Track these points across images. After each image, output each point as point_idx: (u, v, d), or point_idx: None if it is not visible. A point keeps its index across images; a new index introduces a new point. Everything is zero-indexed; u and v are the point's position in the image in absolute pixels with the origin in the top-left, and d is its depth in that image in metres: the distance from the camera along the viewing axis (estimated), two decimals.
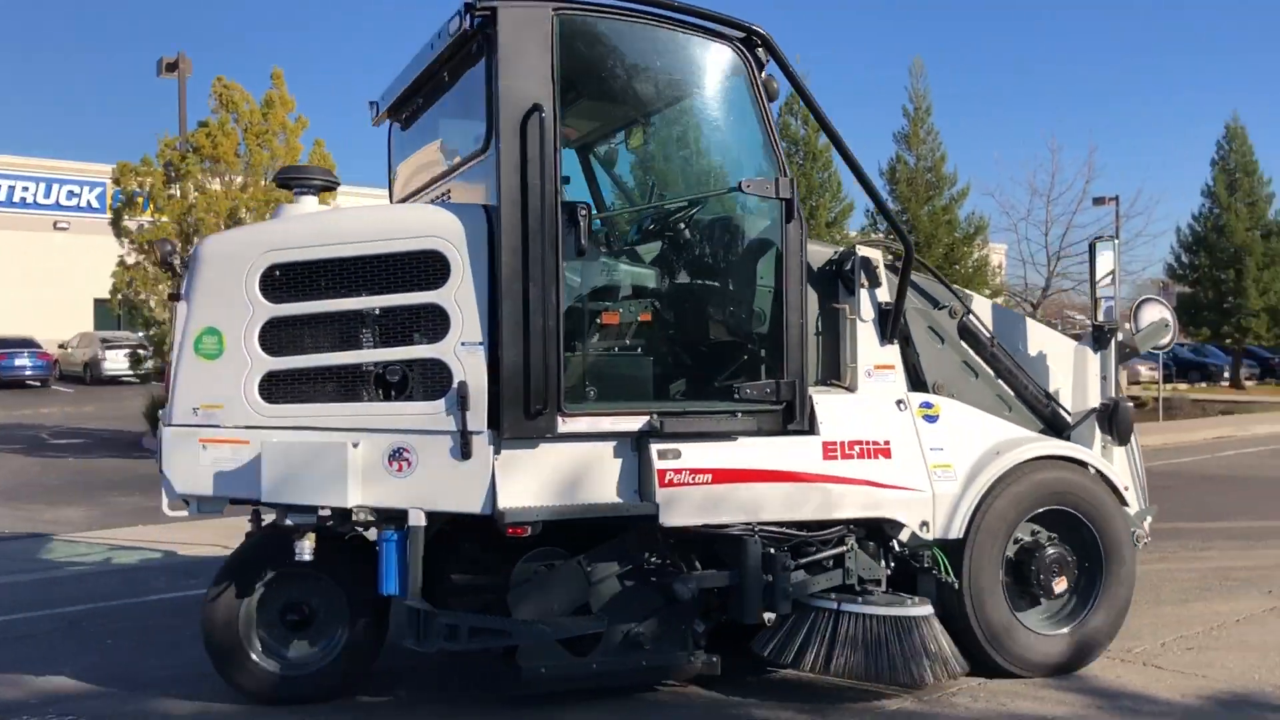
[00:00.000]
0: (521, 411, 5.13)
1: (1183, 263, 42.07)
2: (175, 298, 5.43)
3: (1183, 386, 39.02)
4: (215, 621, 5.58)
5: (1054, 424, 6.62)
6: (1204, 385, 40.77)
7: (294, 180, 5.83)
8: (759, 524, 5.52)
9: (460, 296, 5.18)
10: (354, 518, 5.19)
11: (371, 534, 5.43)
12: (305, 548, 5.29)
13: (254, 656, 5.59)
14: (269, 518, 5.61)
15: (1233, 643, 6.91)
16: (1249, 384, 41.62)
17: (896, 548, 5.91)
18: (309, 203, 5.74)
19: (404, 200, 6.70)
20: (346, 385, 5.29)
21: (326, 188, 5.85)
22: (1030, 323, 7.06)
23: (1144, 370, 38.71)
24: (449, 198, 5.94)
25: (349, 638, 5.63)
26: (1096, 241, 6.75)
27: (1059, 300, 33.15)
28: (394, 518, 5.21)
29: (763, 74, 5.61)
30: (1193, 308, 41.03)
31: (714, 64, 5.77)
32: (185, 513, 5.44)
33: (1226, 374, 41.89)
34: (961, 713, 5.66)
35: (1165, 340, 7.22)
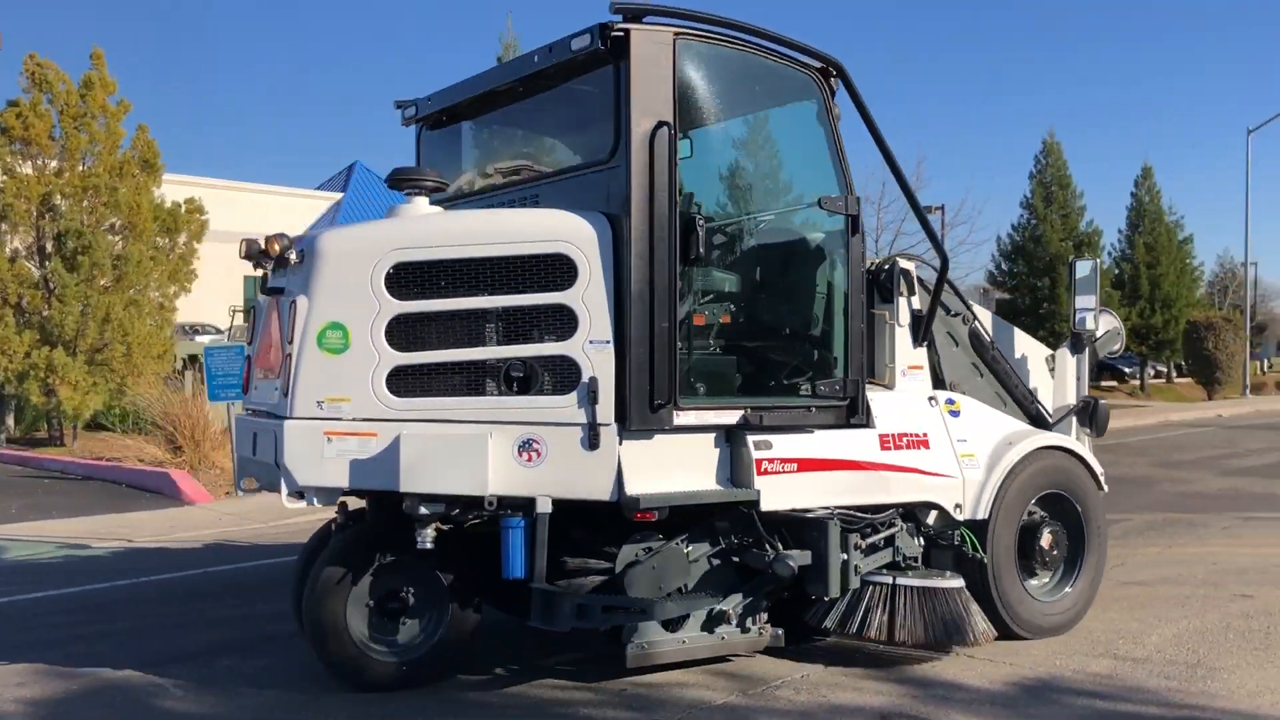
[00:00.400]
0: (646, 405, 5.54)
1: (1003, 270, 44.30)
2: (273, 291, 5.79)
3: None
4: (323, 613, 5.70)
5: (1037, 419, 7.53)
6: None
7: (407, 182, 5.94)
8: (836, 508, 6.12)
9: (588, 297, 5.51)
10: (486, 505, 5.45)
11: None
12: (428, 536, 5.55)
13: (365, 645, 5.78)
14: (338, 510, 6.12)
15: None
16: None
17: (925, 528, 6.66)
18: (421, 203, 5.91)
19: (456, 200, 6.87)
20: (474, 380, 5.55)
21: (438, 188, 6.04)
22: (1016, 331, 7.94)
23: None
24: (537, 201, 6.21)
25: (449, 621, 5.85)
26: (1076, 261, 7.94)
27: None
28: (519, 505, 5.48)
29: (834, 100, 6.20)
30: (1011, 314, 43.16)
31: (795, 88, 6.28)
32: (302, 504, 5.55)
33: None
34: (785, 705, 5.79)
35: (1117, 346, 8.25)
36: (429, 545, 5.55)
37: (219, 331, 33.65)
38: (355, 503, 6.19)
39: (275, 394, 5.73)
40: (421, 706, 5.71)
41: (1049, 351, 8.04)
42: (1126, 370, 48.80)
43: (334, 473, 5.40)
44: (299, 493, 5.47)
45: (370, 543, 5.84)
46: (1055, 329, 41.87)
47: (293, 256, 5.63)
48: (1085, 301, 7.91)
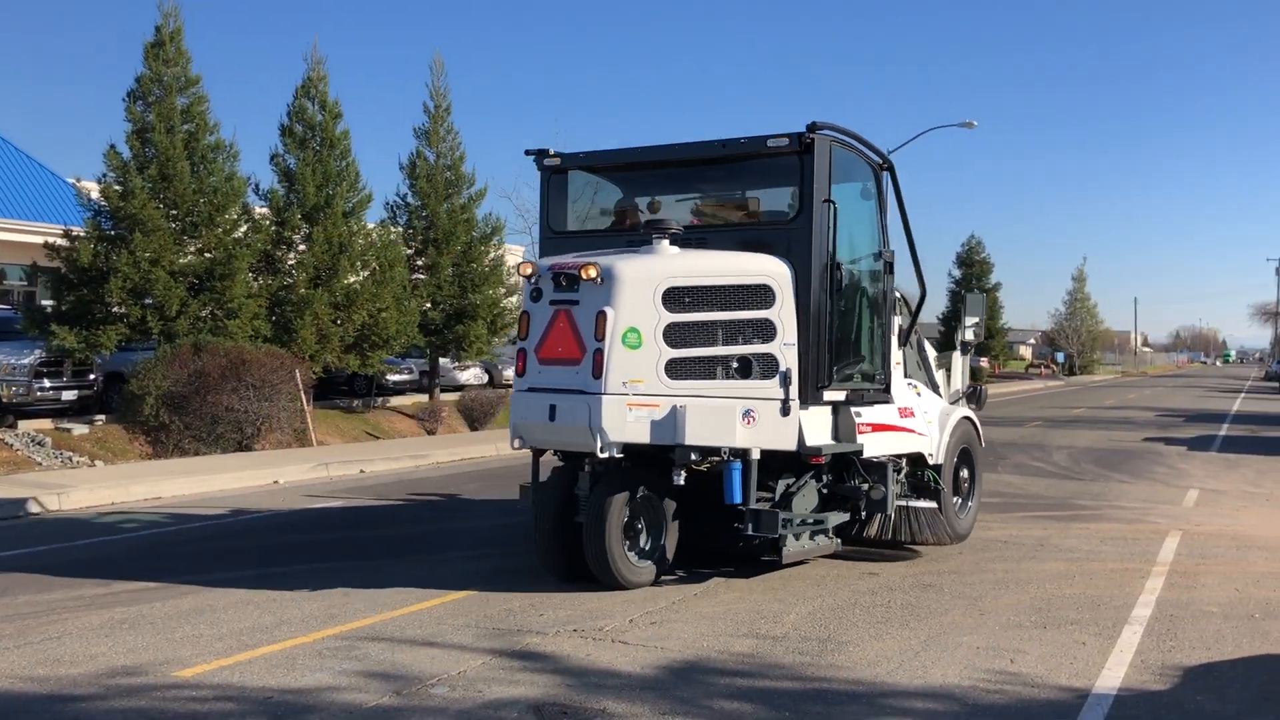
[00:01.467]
0: (813, 387, 8.40)
1: None
2: (564, 302, 8.07)
3: None
4: (598, 531, 8.02)
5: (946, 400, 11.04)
6: None
7: (658, 230, 8.42)
8: (888, 455, 9.12)
9: (783, 314, 8.32)
10: (723, 455, 7.99)
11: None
12: (681, 475, 8.14)
13: (622, 553, 8.18)
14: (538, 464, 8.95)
15: (690, 615, 7.61)
16: None
17: (907, 468, 9.81)
18: (667, 244, 8.36)
19: (595, 233, 9.80)
20: (716, 368, 8.17)
21: (677, 234, 8.46)
22: (923, 339, 10.94)
23: None
24: (704, 243, 8.87)
25: (666, 535, 8.46)
26: (967, 294, 12.16)
27: None
28: (739, 454, 8.03)
29: (885, 184, 9.32)
30: None
31: (865, 173, 9.23)
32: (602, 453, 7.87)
33: None
34: (439, 704, 5.69)
35: (972, 337, 12.33)
36: (680, 482, 8.14)
37: None
38: (548, 461, 8.94)
39: (578, 377, 7.94)
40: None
41: (936, 354, 11.38)
42: None
43: (634, 432, 7.85)
44: (608, 446, 7.81)
45: (627, 484, 8.21)
46: None
47: (592, 275, 7.85)
48: (971, 321, 12.47)
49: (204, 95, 22.38)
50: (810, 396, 8.37)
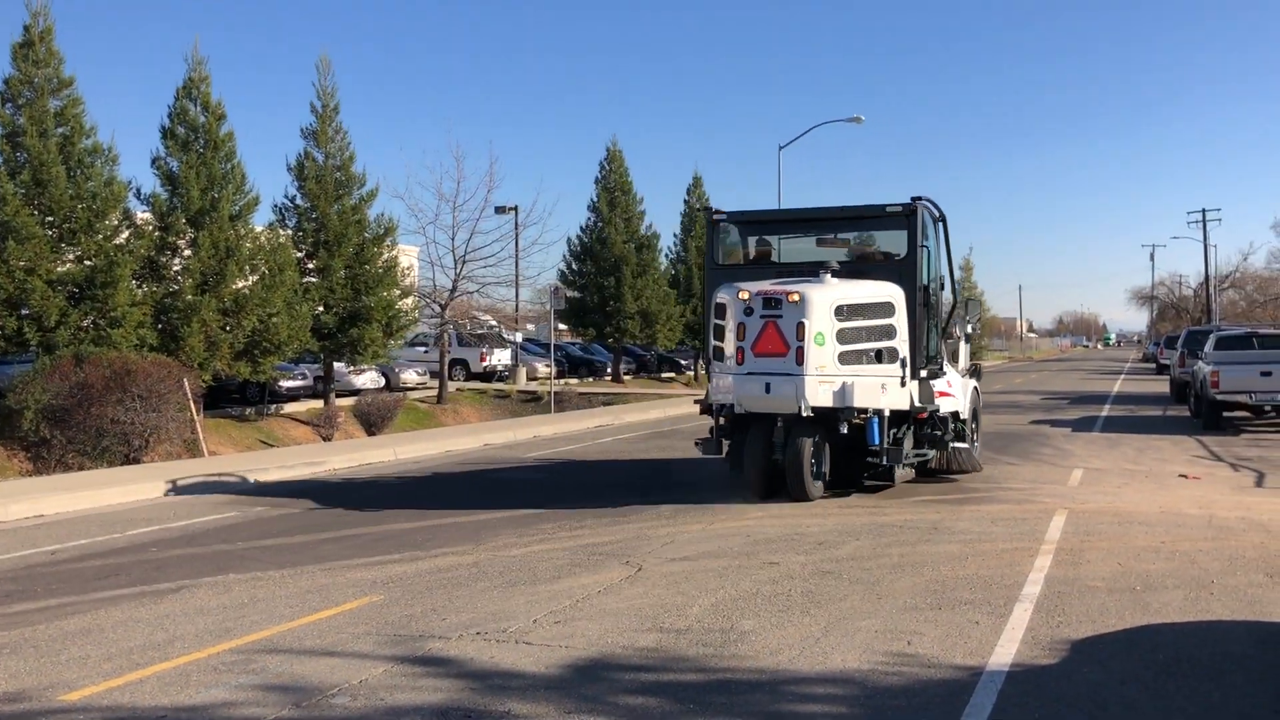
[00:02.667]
0: (918, 368, 12.91)
1: (573, 270, 46.21)
2: (771, 316, 12.26)
3: (574, 381, 42.84)
4: (797, 462, 12.32)
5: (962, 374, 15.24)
6: (591, 380, 45.11)
7: (822, 267, 12.93)
8: (947, 412, 13.58)
9: (899, 321, 12.71)
10: (870, 413, 12.30)
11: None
12: (846, 426, 12.32)
13: (809, 477, 12.41)
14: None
15: (595, 612, 7.61)
16: (627, 378, 46.82)
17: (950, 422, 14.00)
18: (829, 277, 12.73)
19: (762, 264, 14.20)
20: (863, 357, 12.39)
21: (830, 269, 13.01)
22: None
23: (541, 367, 41.93)
24: (837, 272, 13.00)
25: (828, 465, 12.77)
26: (968, 300, 17.28)
27: (464, 302, 34.64)
28: (876, 411, 12.33)
29: (940, 228, 13.94)
30: (582, 310, 45.24)
31: (931, 222, 13.59)
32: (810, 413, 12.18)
33: (609, 370, 46.72)
34: (340, 713, 5.59)
35: (971, 330, 16.89)
36: (845, 431, 12.33)
37: None
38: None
39: (785, 365, 12.11)
40: None
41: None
42: (683, 362, 52.68)
43: (822, 399, 12.04)
44: (807, 409, 11.95)
45: (810, 434, 12.32)
46: (620, 325, 44.41)
47: (811, 299, 12.11)
48: (972, 317, 16.87)
49: (79, 97, 21.63)
50: (913, 374, 12.94)
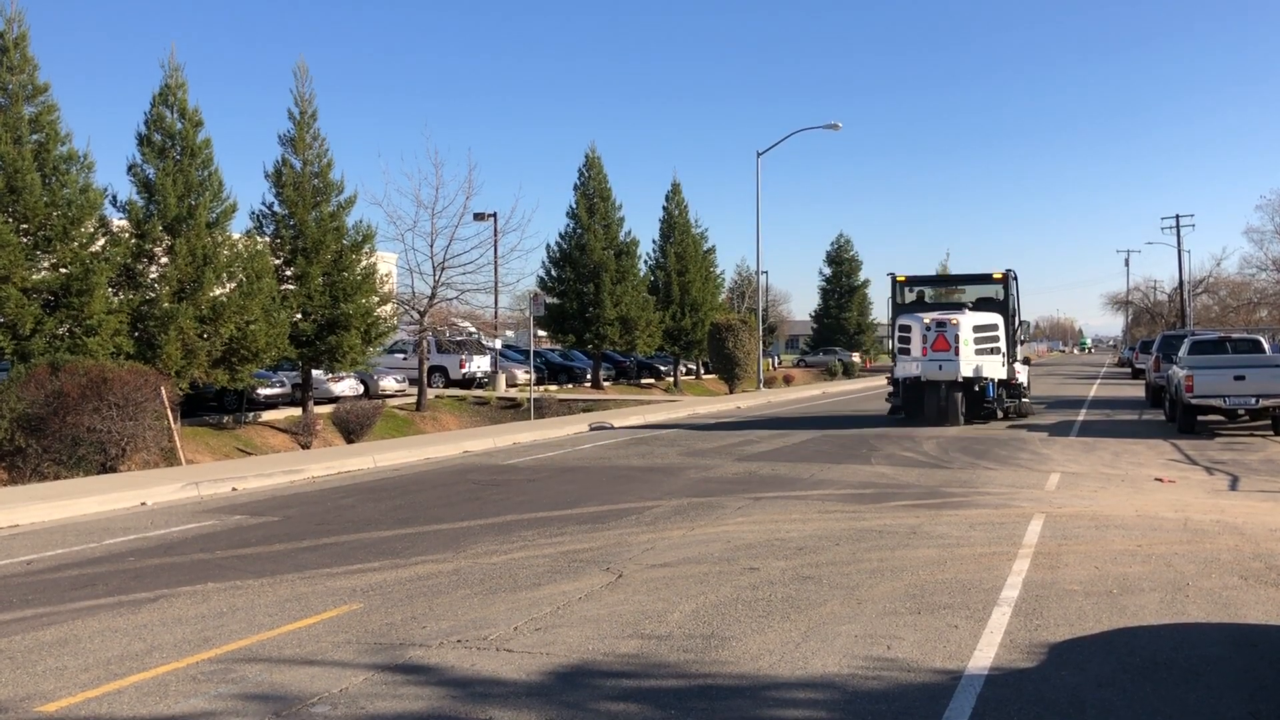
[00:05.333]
0: (1009, 357, 26.20)
1: (553, 276, 46.21)
2: (941, 325, 24.92)
3: (553, 388, 42.79)
4: (951, 404, 24.76)
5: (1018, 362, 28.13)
6: (570, 386, 45.10)
7: (964, 306, 27.19)
8: (1019, 382, 26.85)
9: (1000, 333, 25.66)
10: (986, 381, 25.35)
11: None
12: (977, 387, 25.22)
13: (960, 415, 24.90)
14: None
15: (575, 619, 7.61)
16: (607, 384, 46.83)
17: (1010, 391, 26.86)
18: (968, 310, 26.31)
19: (926, 308, 27.63)
20: (985, 351, 25.23)
21: (962, 306, 27.20)
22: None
23: (520, 373, 41.87)
24: (970, 307, 26.98)
25: (965, 408, 25.24)
26: (1024, 322, 28.95)
27: (443, 309, 34.59)
28: (992, 378, 25.43)
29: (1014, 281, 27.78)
30: (561, 317, 45.22)
31: (1014, 280, 27.20)
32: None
33: (589, 376, 46.71)
34: None
35: (1026, 330, 30.08)
36: (975, 390, 25.20)
37: None
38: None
39: (949, 355, 24.57)
40: None
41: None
42: (663, 369, 52.75)
43: (966, 373, 24.71)
44: (961, 376, 24.67)
45: (959, 390, 24.70)
46: (600, 331, 44.40)
47: (959, 323, 24.87)
48: (1021, 321, 27.41)
49: (54, 104, 21.49)
50: (1007, 360, 25.38)
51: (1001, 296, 26.61)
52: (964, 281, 29.79)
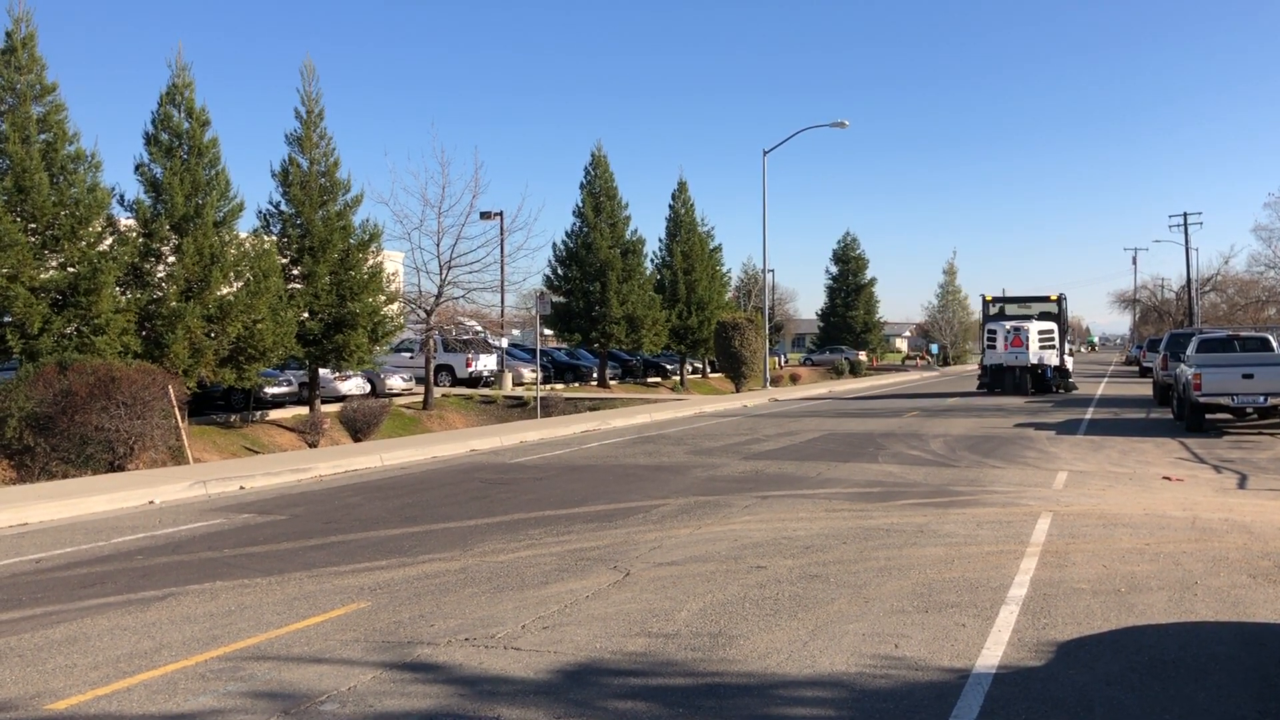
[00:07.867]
0: (1062, 351, 41.23)
1: (559, 275, 46.21)
2: (1018, 329, 40.20)
3: (559, 386, 42.81)
4: (1023, 380, 39.71)
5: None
6: (577, 385, 45.11)
7: (1033, 318, 41.72)
8: (1068, 368, 42.06)
9: (1056, 335, 40.66)
10: (1045, 366, 40.22)
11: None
12: (1040, 369, 40.31)
13: (1029, 389, 39.92)
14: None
15: (583, 617, 7.62)
16: (613, 383, 46.85)
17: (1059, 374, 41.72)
18: (1035, 319, 41.14)
19: (1005, 318, 42.08)
20: (1047, 347, 40.19)
21: (1028, 318, 41.85)
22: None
23: (526, 372, 41.88)
24: (1036, 318, 41.70)
25: (1032, 384, 40.21)
26: (1068, 327, 45.20)
27: (450, 308, 34.61)
28: (1050, 364, 40.52)
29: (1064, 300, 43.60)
30: (567, 315, 45.23)
31: (1064, 299, 43.16)
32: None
33: (595, 375, 46.72)
34: None
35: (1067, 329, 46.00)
36: (1039, 372, 40.00)
37: None
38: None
39: (1024, 349, 39.57)
40: None
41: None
42: (669, 367, 52.72)
43: (1033, 360, 39.65)
44: (1029, 362, 39.66)
45: (1028, 371, 39.87)
46: (606, 330, 44.41)
47: (1029, 328, 40.25)
48: (1065, 321, 42.67)
49: (61, 103, 21.53)
50: (1060, 353, 40.31)
51: (1056, 311, 41.50)
52: (1031, 301, 43.02)
